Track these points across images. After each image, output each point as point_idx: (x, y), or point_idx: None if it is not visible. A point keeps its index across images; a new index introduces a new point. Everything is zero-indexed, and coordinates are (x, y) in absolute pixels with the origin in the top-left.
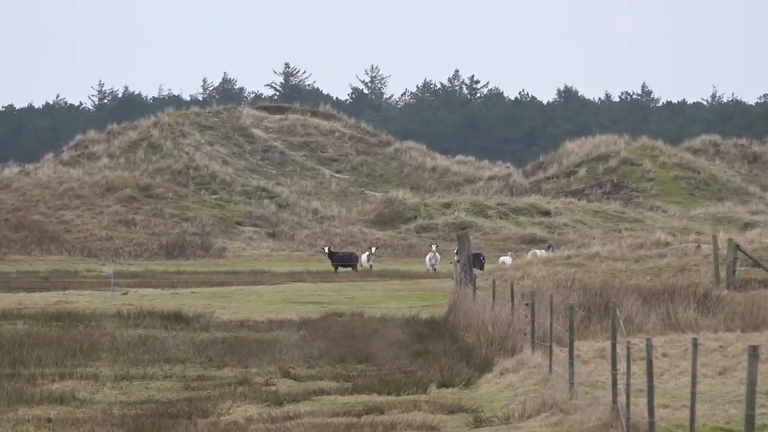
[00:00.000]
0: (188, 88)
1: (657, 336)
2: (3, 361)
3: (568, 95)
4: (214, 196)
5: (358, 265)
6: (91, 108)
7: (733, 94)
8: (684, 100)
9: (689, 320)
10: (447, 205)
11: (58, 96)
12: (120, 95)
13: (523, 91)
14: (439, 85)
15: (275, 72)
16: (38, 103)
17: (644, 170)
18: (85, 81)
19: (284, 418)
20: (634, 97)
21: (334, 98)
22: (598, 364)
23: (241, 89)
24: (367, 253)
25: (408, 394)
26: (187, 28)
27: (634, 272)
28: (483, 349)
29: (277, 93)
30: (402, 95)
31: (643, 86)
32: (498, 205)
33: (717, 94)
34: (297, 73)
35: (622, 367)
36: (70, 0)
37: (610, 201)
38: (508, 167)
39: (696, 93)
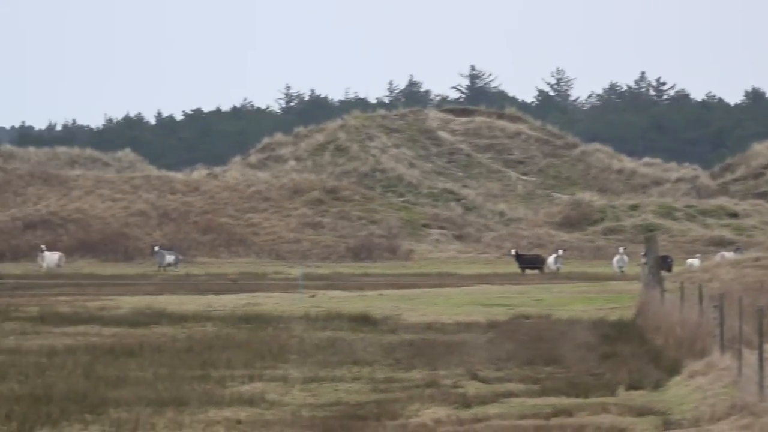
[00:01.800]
0: (374, 91)
1: None
2: (193, 363)
3: (756, 97)
4: (400, 199)
5: (545, 267)
6: (278, 111)
7: None
8: None
9: None
10: (634, 207)
11: (245, 99)
12: (307, 98)
13: (710, 92)
14: (625, 87)
15: (461, 75)
16: (226, 107)
17: None
18: (272, 84)
19: (472, 421)
20: None
21: (520, 101)
22: None
23: (427, 92)
24: (554, 255)
25: (596, 397)
26: (373, 31)
27: None
28: (671, 351)
29: (463, 96)
30: (588, 97)
31: None
32: (685, 207)
33: None
34: (483, 75)
35: None
36: (256, 5)
37: None
38: (695, 169)
39: None
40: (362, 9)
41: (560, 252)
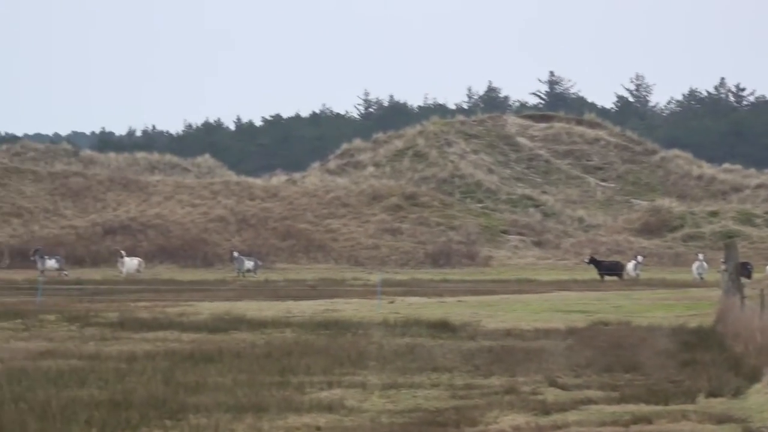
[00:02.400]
0: (453, 97)
1: None
2: (272, 369)
3: None
4: (479, 205)
5: (625, 273)
6: (357, 117)
7: None
8: None
9: None
10: (714, 214)
11: (324, 105)
12: (386, 104)
13: None
14: (704, 93)
15: (540, 81)
16: (305, 113)
17: None
18: (351, 90)
19: (551, 428)
20: None
21: (599, 107)
22: None
23: (506, 98)
24: (634, 261)
25: (676, 404)
26: (453, 37)
27: None
28: (751, 358)
29: (542, 102)
30: (667, 103)
31: None
32: (765, 213)
33: None
34: (562, 81)
35: None
36: (335, 11)
37: None
38: None
39: None
40: (441, 15)
41: (639, 258)
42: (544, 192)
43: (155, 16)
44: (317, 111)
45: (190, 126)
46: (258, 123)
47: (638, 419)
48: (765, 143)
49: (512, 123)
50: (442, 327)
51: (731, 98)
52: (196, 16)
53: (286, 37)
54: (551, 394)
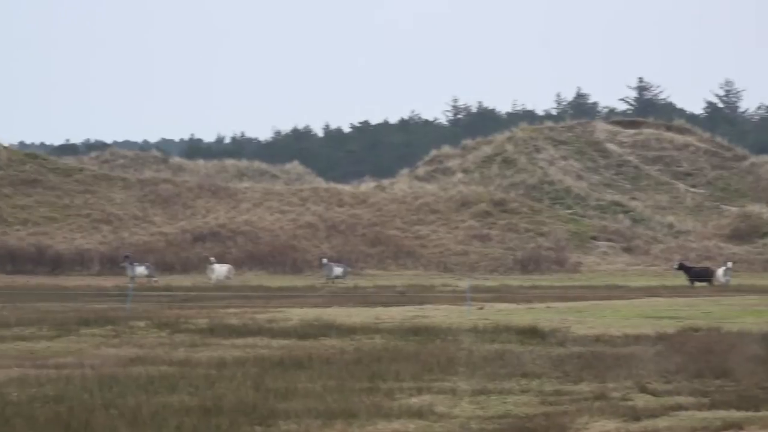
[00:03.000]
0: (542, 103)
1: None
2: (362, 375)
3: None
4: (568, 211)
5: (715, 279)
6: (446, 123)
7: None
8: None
9: None
10: None
11: (412, 112)
12: (474, 110)
13: None
14: None
15: (629, 87)
16: (393, 119)
17: None
18: (439, 97)
19: None
20: None
21: (688, 112)
22: None
23: (595, 104)
24: (724, 267)
25: (767, 410)
26: (541, 43)
27: None
28: None
29: (631, 108)
30: (757, 108)
31: None
32: None
33: None
34: (651, 87)
35: None
36: (423, 18)
37: None
38: None
39: None
40: (530, 21)
41: (729, 264)
42: (634, 198)
43: (244, 24)
44: (406, 117)
45: (278, 133)
46: (347, 129)
47: (729, 425)
48: None
49: (601, 129)
50: (532, 333)
51: None
52: (284, 22)
53: (376, 43)
54: (641, 400)
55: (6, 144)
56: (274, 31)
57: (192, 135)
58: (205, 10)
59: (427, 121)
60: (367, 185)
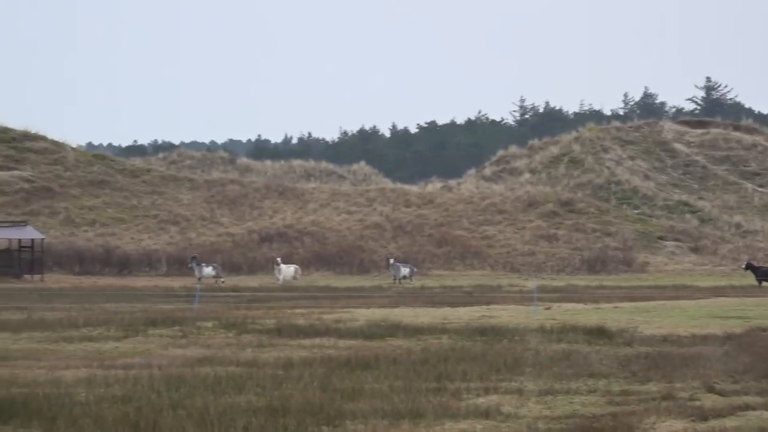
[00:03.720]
0: (609, 103)
1: None
2: (429, 376)
3: None
4: (635, 211)
5: None
6: (513, 123)
7: None
8: None
9: None
10: None
11: (479, 112)
12: (541, 110)
13: None
14: None
15: (696, 86)
16: (460, 119)
17: None
18: (506, 97)
19: None
20: None
21: (756, 112)
22: None
23: (662, 104)
24: None
25: None
26: (609, 43)
27: None
28: None
29: (699, 107)
30: None
31: None
32: None
33: None
34: (718, 87)
35: None
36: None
37: None
38: None
39: None
40: (597, 21)
41: None
42: (701, 198)
43: (312, 25)
44: (472, 118)
45: (345, 133)
46: (413, 130)
47: None
48: None
49: (669, 129)
50: (599, 333)
51: None
52: (352, 22)
53: (442, 44)
54: (709, 400)
55: (74, 145)
56: (341, 32)
57: (259, 135)
58: (273, 11)
59: (494, 121)
60: (434, 186)
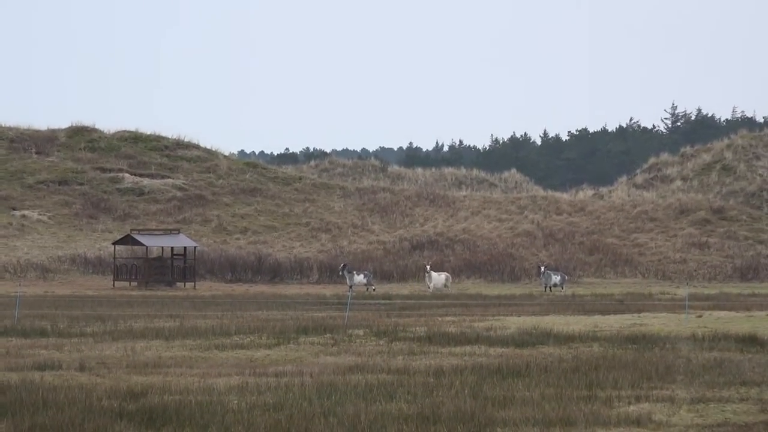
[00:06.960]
0: (762, 110)
1: None
2: (579, 383)
3: None
4: None
5: None
6: (664, 131)
7: None
8: None
9: None
10: None
11: (631, 119)
12: (693, 118)
13: None
14: None
15: None
16: (611, 127)
17: None
18: (658, 104)
19: None
20: None
21: None
22: None
23: None
24: None
25: None
26: (761, 49)
27: None
28: None
29: None
30: None
31: None
32: None
33: None
34: None
35: None
36: (644, 24)
37: None
38: None
39: None
40: (751, 26)
41: None
42: None
43: (461, 32)
44: (624, 125)
45: (496, 141)
46: (564, 137)
47: None
48: None
49: None
50: (751, 341)
51: None
52: (502, 30)
53: (593, 49)
54: None
55: (226, 153)
56: (490, 38)
57: (410, 143)
58: (426, 18)
59: (645, 129)
60: (585, 193)
